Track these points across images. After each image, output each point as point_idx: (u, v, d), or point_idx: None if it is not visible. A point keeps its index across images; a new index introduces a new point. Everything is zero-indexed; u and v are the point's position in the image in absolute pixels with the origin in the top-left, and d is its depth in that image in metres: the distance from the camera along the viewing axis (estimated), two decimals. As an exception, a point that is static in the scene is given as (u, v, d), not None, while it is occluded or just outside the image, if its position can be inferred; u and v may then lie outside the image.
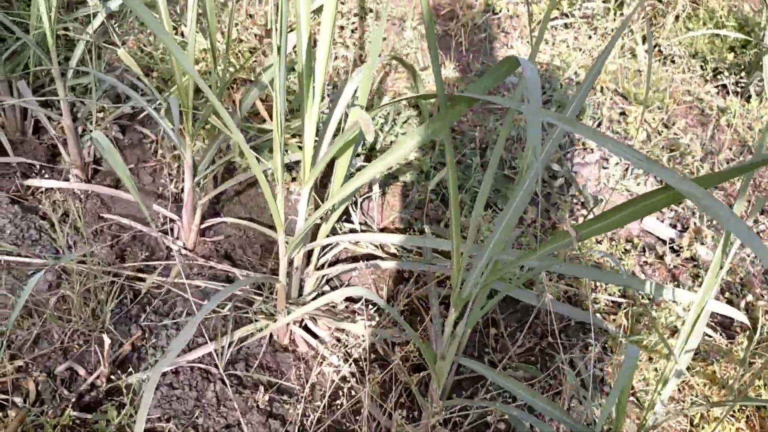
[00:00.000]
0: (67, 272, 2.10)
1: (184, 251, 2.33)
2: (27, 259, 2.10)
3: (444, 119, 1.42)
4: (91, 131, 2.61)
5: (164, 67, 2.77)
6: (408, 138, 1.50)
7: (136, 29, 3.00)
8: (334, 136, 1.91)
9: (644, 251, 2.46)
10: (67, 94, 2.38)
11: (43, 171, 2.52)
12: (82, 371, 1.85)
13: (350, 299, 2.20)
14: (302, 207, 1.91)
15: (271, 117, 2.57)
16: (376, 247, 2.28)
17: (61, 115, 2.43)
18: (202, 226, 2.38)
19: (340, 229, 2.36)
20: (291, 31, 2.12)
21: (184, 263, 2.24)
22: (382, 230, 2.39)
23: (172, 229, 2.42)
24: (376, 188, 2.42)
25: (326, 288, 2.20)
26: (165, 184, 2.58)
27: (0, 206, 2.25)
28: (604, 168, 2.84)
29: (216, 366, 1.93)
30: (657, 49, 3.65)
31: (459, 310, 1.65)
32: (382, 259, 2.17)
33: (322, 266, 2.17)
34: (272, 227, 2.48)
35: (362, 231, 2.30)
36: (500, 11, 3.72)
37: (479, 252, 1.55)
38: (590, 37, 3.62)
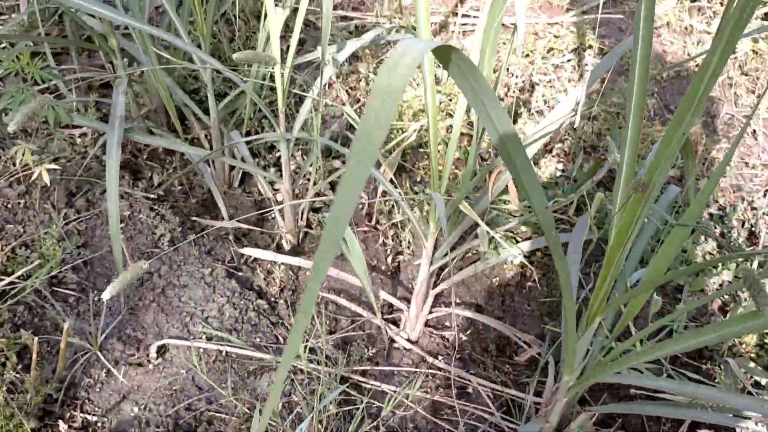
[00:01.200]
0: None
1: (408, 344, 2.03)
2: (248, 352, 1.88)
3: None
4: (302, 182, 2.39)
5: (392, 131, 2.48)
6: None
7: (345, 71, 2.75)
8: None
9: None
10: (290, 157, 2.15)
11: (254, 233, 2.32)
12: None
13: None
14: (585, 344, 1.54)
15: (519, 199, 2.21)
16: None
17: (266, 167, 2.22)
18: (429, 315, 2.07)
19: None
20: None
21: (453, 375, 1.94)
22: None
23: (389, 311, 2.15)
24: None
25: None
26: (379, 255, 2.31)
27: (217, 281, 2.05)
28: None
29: None
30: None
31: None
32: (664, 397, 1.76)
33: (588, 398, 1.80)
34: (498, 318, 2.14)
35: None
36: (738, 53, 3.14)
37: None
38: None
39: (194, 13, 2.09)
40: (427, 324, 2.10)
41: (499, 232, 2.09)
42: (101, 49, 2.57)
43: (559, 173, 2.39)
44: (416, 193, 2.28)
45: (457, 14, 3.40)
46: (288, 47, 1.93)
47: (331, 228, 0.63)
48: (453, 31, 3.27)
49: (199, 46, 2.19)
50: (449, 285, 2.01)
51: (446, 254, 1.94)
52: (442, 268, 2.15)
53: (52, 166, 2.06)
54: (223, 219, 2.32)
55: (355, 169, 0.61)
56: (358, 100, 2.63)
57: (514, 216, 2.12)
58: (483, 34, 1.55)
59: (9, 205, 2.15)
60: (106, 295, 1.26)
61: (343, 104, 2.31)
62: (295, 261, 2.14)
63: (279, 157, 2.53)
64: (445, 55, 0.78)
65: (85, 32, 2.82)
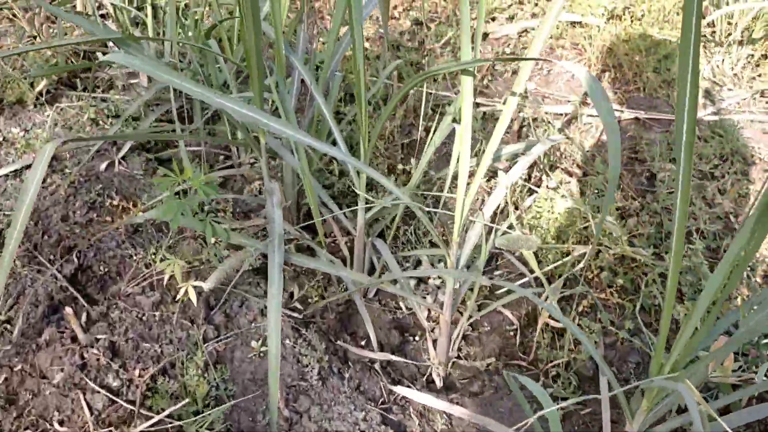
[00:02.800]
0: None
1: None
2: None
3: None
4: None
5: (551, 251, 2.26)
6: None
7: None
8: None
9: None
10: (454, 289, 1.94)
11: (400, 366, 2.11)
12: None
13: None
14: None
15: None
16: None
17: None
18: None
19: None
20: None
21: None
22: None
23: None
24: None
25: None
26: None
27: (372, 428, 1.83)
28: None
29: None
30: None
31: None
32: None
33: None
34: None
35: None
36: None
37: None
38: None
39: (360, 129, 1.90)
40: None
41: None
42: (242, 144, 2.41)
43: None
44: (592, 332, 2.05)
45: (587, 104, 3.20)
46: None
47: None
48: (588, 124, 3.06)
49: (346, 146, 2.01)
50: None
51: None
52: None
53: (199, 283, 1.88)
54: (367, 338, 2.12)
55: None
56: (519, 215, 2.41)
57: (717, 384, 1.87)
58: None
59: (144, 318, 1.97)
60: None
61: (512, 228, 2.10)
62: (455, 410, 1.90)
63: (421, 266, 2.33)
64: None
65: (210, 108, 2.67)
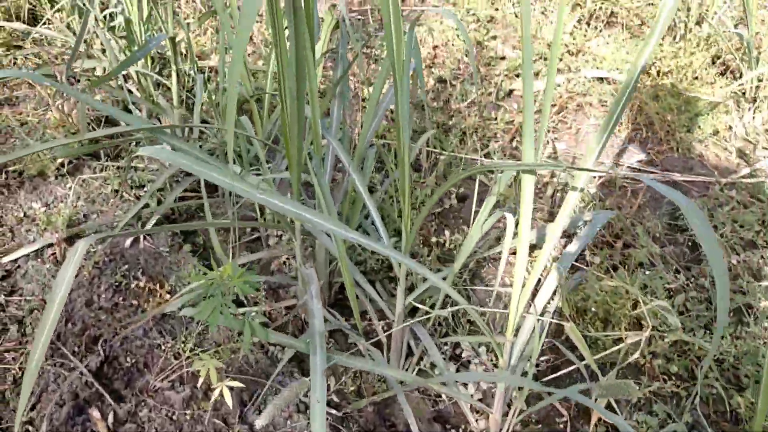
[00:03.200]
0: None
1: None
2: None
3: None
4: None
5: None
6: None
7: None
8: None
9: None
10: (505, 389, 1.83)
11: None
12: None
13: None
14: None
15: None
16: None
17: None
18: None
19: None
20: None
21: None
22: None
23: None
24: None
25: None
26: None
27: None
28: None
29: None
30: None
31: None
32: None
33: None
34: None
35: None
36: None
37: None
38: None
39: (402, 216, 1.80)
40: None
41: None
42: (272, 226, 2.31)
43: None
44: (649, 428, 1.92)
45: (620, 165, 3.11)
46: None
47: None
48: (624, 188, 2.96)
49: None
50: None
51: None
52: None
53: (235, 384, 1.77)
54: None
55: None
56: (566, 296, 2.30)
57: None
58: None
59: (174, 417, 1.85)
60: None
61: (566, 319, 1.99)
62: None
63: (459, 352, 2.21)
64: None
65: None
